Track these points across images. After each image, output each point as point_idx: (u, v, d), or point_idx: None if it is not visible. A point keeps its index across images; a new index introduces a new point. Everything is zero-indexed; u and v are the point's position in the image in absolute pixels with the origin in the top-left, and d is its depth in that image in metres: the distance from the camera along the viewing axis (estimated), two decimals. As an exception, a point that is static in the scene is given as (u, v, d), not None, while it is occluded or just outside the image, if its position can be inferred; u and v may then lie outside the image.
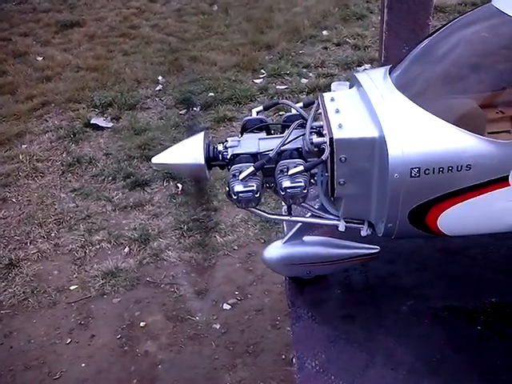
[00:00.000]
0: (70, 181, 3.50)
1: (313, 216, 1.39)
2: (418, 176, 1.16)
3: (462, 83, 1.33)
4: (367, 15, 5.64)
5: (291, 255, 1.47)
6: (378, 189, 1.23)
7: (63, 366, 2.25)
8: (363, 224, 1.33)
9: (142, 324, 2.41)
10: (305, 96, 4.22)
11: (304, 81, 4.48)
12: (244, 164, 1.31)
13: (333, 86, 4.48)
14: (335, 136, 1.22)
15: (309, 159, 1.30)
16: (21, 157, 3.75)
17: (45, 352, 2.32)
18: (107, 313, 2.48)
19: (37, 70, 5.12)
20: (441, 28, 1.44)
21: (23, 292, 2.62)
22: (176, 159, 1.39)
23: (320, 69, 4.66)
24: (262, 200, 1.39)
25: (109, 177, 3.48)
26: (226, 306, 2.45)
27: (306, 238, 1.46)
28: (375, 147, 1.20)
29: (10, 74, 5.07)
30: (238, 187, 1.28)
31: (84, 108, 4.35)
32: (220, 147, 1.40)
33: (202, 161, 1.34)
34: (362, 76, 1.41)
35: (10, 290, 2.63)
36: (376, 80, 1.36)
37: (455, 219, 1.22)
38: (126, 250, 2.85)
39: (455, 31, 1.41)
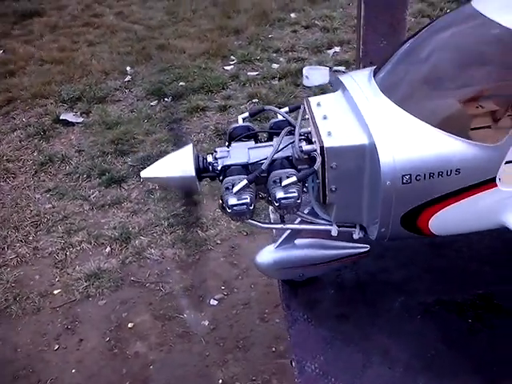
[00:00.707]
0: (43, 181, 3.43)
1: (305, 222, 1.40)
2: (410, 182, 1.18)
3: (444, 85, 1.34)
4: (334, -4, 5.62)
5: (283, 259, 1.49)
6: (370, 194, 1.25)
7: (53, 374, 2.23)
8: (355, 227, 1.35)
9: (130, 325, 2.40)
10: (277, 82, 4.20)
11: (275, 66, 4.46)
12: (236, 176, 1.30)
13: (304, 70, 4.46)
14: (326, 144, 1.22)
15: (299, 166, 1.31)
16: (-10, 158, 3.65)
17: (33, 360, 2.30)
18: (94, 316, 2.46)
19: (-1, 65, 4.96)
20: (422, 29, 1.44)
21: (5, 299, 2.57)
22: (166, 172, 1.37)
23: (290, 53, 4.65)
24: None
25: (83, 174, 3.42)
26: (213, 302, 2.46)
27: (297, 241, 1.48)
28: (366, 154, 1.22)
29: (-29, 70, 4.90)
30: (232, 200, 1.27)
31: (52, 103, 4.24)
32: (210, 158, 1.38)
33: (193, 173, 1.33)
34: (346, 79, 1.41)
35: (-10, 298, 2.59)
36: (361, 84, 1.36)
37: (446, 220, 1.25)
38: (108, 249, 2.82)
39: (436, 32, 1.42)
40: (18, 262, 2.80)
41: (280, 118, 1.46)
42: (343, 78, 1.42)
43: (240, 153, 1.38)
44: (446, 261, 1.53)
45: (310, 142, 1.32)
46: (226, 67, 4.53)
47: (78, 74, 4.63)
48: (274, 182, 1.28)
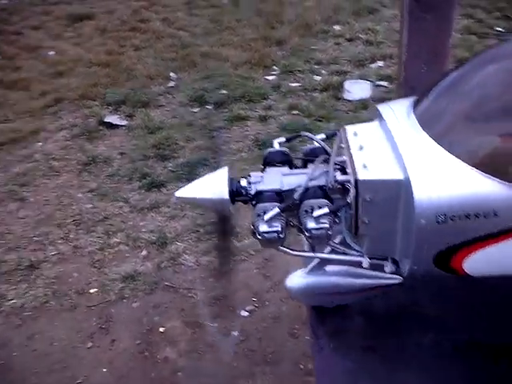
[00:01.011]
0: (86, 180, 3.53)
1: (336, 252, 1.41)
2: (445, 222, 1.17)
3: (486, 124, 1.31)
4: (379, 9, 5.62)
5: (313, 285, 1.49)
6: (403, 229, 1.25)
7: (85, 371, 2.30)
8: (387, 260, 1.35)
9: (161, 329, 2.45)
10: (318, 94, 4.23)
11: (317, 78, 4.49)
12: (268, 203, 1.32)
13: (346, 84, 4.47)
14: (360, 177, 1.22)
15: (333, 196, 1.32)
16: (37, 155, 3.79)
17: (67, 355, 2.38)
18: (127, 317, 2.53)
19: (49, 65, 5.13)
20: (470, 59, 1.43)
21: (45, 294, 2.67)
22: (200, 193, 1.40)
23: (332, 65, 4.66)
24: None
25: (124, 177, 3.51)
26: (244, 313, 2.50)
27: (328, 268, 1.48)
28: (401, 190, 1.21)
29: (24, 70, 5.09)
30: (263, 227, 1.28)
31: (97, 105, 4.37)
32: (243, 182, 1.40)
33: (226, 195, 1.35)
34: (385, 110, 1.40)
35: (31, 292, 2.68)
36: (399, 116, 1.35)
37: (481, 262, 1.24)
38: (144, 252, 2.89)
39: (481, 66, 1.40)
40: (59, 258, 2.90)
41: (316, 144, 1.48)
42: (382, 109, 1.42)
43: (274, 179, 1.39)
44: (484, 299, 1.50)
45: (344, 171, 1.32)
46: (267, 77, 4.58)
47: (124, 77, 4.76)
48: (306, 211, 1.28)
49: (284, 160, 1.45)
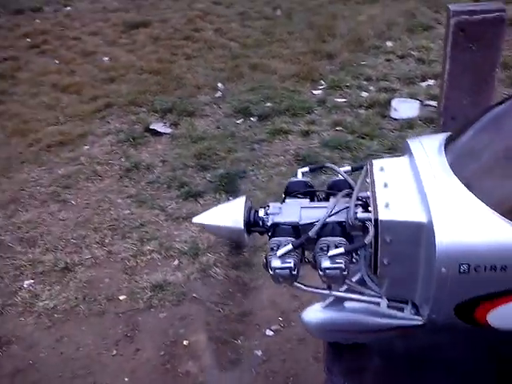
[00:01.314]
0: (126, 186, 3.59)
1: (352, 291, 1.35)
2: (468, 272, 1.09)
3: None
4: (434, 26, 5.47)
5: (331, 321, 1.42)
6: (425, 274, 1.17)
7: (107, 379, 2.32)
8: (407, 303, 1.28)
9: (185, 342, 2.44)
10: (363, 111, 4.14)
11: (364, 94, 4.40)
12: (283, 238, 1.27)
13: (393, 102, 4.35)
14: (381, 217, 1.16)
15: (353, 233, 1.26)
16: (82, 159, 3.88)
17: (92, 361, 2.40)
18: (153, 327, 2.53)
19: (102, 71, 5.29)
20: (508, 99, 1.34)
21: (75, 298, 2.71)
22: (216, 221, 1.38)
23: (381, 82, 4.56)
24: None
25: (164, 185, 3.55)
26: (269, 332, 2.45)
27: (346, 304, 1.41)
28: (423, 233, 1.14)
29: (78, 74, 5.26)
30: (276, 263, 1.23)
31: (145, 112, 4.45)
32: (261, 213, 1.37)
33: (242, 225, 1.33)
34: (415, 145, 1.33)
35: (63, 295, 2.74)
36: (430, 153, 1.27)
37: (509, 316, 1.15)
38: (176, 262, 2.90)
39: None
40: (92, 263, 2.94)
41: (340, 177, 1.43)
42: (412, 143, 1.34)
43: (292, 211, 1.34)
44: (509, 348, 1.40)
45: (367, 208, 1.25)
46: (314, 91, 4.53)
47: (173, 85, 4.83)
48: (321, 249, 1.22)
49: (306, 191, 1.41)
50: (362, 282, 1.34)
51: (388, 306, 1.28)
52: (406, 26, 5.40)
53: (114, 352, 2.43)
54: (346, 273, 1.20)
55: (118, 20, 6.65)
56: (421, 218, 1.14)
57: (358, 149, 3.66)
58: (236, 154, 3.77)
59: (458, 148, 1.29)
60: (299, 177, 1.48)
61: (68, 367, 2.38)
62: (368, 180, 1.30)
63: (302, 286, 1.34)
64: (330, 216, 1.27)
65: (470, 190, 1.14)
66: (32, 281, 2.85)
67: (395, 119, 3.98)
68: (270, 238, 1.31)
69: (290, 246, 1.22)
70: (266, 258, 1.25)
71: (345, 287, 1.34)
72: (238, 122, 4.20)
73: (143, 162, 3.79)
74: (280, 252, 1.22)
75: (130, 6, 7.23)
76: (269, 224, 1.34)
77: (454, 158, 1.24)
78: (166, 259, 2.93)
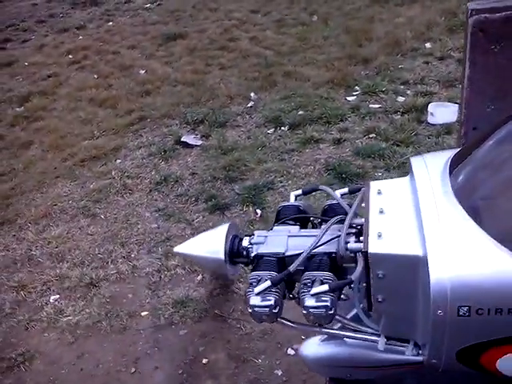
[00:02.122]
0: (155, 200, 3.58)
1: (346, 328, 1.23)
2: (469, 316, 0.94)
3: None
4: (478, 25, 5.20)
5: (330, 355, 1.31)
6: (423, 312, 1.03)
7: (125, 397, 2.28)
8: (408, 342, 1.14)
9: (204, 361, 2.38)
10: (399, 117, 3.97)
11: (400, 99, 4.23)
12: (265, 272, 1.15)
13: (430, 106, 4.15)
14: (371, 249, 1.03)
15: (344, 265, 1.15)
16: (113, 173, 3.91)
17: (110, 379, 2.37)
18: (173, 345, 2.48)
19: (138, 84, 5.35)
20: None
21: (98, 314, 2.70)
22: (196, 251, 1.30)
23: (419, 86, 4.38)
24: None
25: (192, 197, 3.51)
26: (291, 351, 2.35)
27: (346, 338, 1.30)
28: (418, 269, 1.00)
29: (114, 88, 5.35)
30: (254, 300, 1.12)
31: (177, 124, 4.45)
32: (245, 242, 1.26)
33: (222, 255, 1.23)
34: (417, 164, 1.19)
35: (87, 311, 2.73)
36: (433, 175, 1.13)
37: None
38: (199, 278, 2.85)
39: None
40: (117, 278, 2.93)
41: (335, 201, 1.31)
42: (414, 162, 1.20)
43: (278, 240, 1.23)
44: None
45: (361, 236, 1.13)
46: (348, 98, 4.40)
47: (206, 96, 4.81)
48: (305, 284, 1.10)
49: (299, 217, 1.30)
50: (357, 317, 1.22)
51: (387, 345, 1.16)
52: (447, 25, 5.17)
53: (133, 370, 2.40)
54: (331, 312, 1.07)
55: (156, 33, 6.74)
56: (415, 251, 1.00)
57: (391, 157, 3.51)
58: (265, 164, 3.69)
59: (466, 169, 1.15)
60: (291, 200, 1.37)
61: (87, 384, 2.36)
62: (364, 204, 1.18)
63: (288, 323, 1.23)
64: (316, 247, 1.15)
65: (475, 221, 1.00)
66: (58, 296, 2.86)
67: (432, 124, 3.79)
68: (252, 270, 1.20)
69: (267, 283, 1.11)
70: (245, 295, 1.16)
71: (338, 324, 1.23)
72: (269, 131, 4.12)
73: (173, 175, 3.77)
74: (258, 289, 1.12)
75: (168, 18, 7.33)
76: (252, 255, 1.23)
77: (460, 182, 1.10)
78: (190, 274, 2.88)
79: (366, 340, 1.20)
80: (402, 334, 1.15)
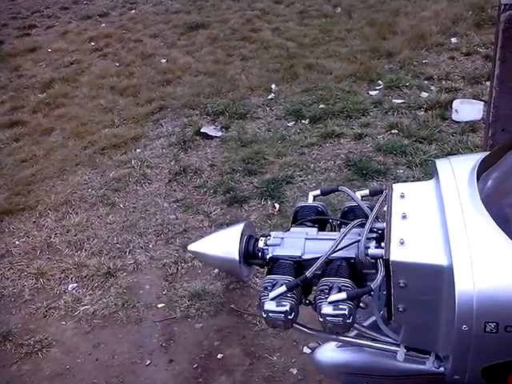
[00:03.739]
0: (174, 190, 3.58)
1: (364, 337, 1.20)
2: (496, 332, 0.89)
3: None
4: (507, 20, 5.08)
5: (347, 362, 1.28)
6: (447, 325, 0.99)
7: (139, 389, 2.29)
8: (429, 354, 1.11)
9: (219, 356, 2.38)
10: (422, 113, 3.90)
11: (424, 95, 4.16)
12: (281, 276, 1.12)
13: (455, 103, 4.08)
14: (392, 257, 0.99)
15: (364, 271, 1.11)
16: (133, 162, 3.90)
17: (125, 370, 2.39)
18: (188, 338, 2.49)
19: (159, 73, 5.33)
20: None
21: (115, 304, 2.71)
22: (210, 250, 1.27)
23: (443, 81, 4.29)
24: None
25: (210, 189, 3.50)
26: (307, 350, 2.33)
27: None
28: (443, 279, 0.96)
29: (136, 76, 5.34)
30: (269, 305, 1.09)
31: (197, 115, 4.42)
32: (261, 243, 1.22)
33: (236, 256, 1.20)
34: (443, 167, 1.13)
35: (104, 300, 2.75)
36: (460, 180, 1.08)
37: None
38: (216, 270, 2.84)
39: None
40: (135, 268, 2.94)
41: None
42: (440, 165, 1.15)
43: (295, 242, 1.19)
44: None
45: (382, 241, 1.08)
46: (370, 92, 4.34)
47: (226, 87, 4.77)
48: (322, 291, 1.06)
49: (317, 218, 1.26)
50: (375, 327, 1.19)
51: (406, 356, 1.13)
52: (474, 20, 5.05)
53: (148, 362, 2.40)
54: (349, 320, 1.04)
55: (178, 22, 6.70)
56: (440, 260, 0.96)
57: (413, 154, 3.45)
58: (285, 158, 3.66)
59: (494, 175, 1.09)
60: (309, 200, 1.33)
61: (102, 374, 2.38)
62: (386, 208, 1.14)
63: (304, 329, 1.20)
64: (335, 251, 1.11)
65: (504, 230, 0.94)
66: (76, 284, 2.88)
67: (457, 122, 3.72)
68: (267, 273, 1.17)
69: (283, 288, 1.08)
70: (259, 299, 1.13)
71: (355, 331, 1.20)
72: (289, 124, 4.08)
73: (192, 166, 3.76)
74: (272, 294, 1.09)
75: (191, 7, 7.27)
76: (268, 257, 1.20)
77: (488, 188, 1.05)
78: (207, 267, 2.87)
79: (384, 350, 1.18)
80: (422, 345, 1.12)
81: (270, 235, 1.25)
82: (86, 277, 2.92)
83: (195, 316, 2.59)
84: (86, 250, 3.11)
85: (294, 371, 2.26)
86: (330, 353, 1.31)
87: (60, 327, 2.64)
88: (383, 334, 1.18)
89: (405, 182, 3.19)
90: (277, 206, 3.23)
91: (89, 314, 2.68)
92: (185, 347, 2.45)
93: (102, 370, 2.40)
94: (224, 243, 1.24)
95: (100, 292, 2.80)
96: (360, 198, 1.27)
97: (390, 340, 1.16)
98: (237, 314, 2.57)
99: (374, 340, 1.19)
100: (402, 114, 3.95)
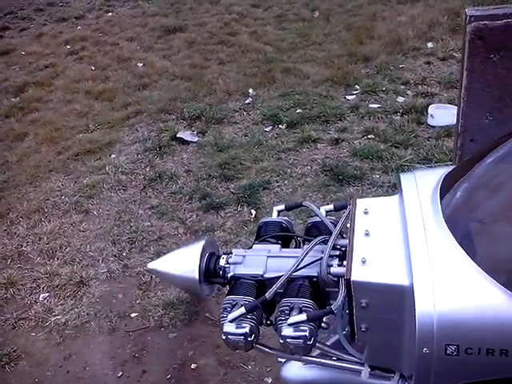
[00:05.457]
0: (149, 197, 3.52)
1: (327, 357, 1.18)
2: (457, 355, 0.87)
3: None
4: (481, 25, 5.13)
5: (313, 380, 1.25)
6: (409, 345, 0.97)
7: (111, 402, 2.24)
8: (393, 374, 1.09)
9: (193, 366, 2.33)
10: (398, 118, 3.92)
11: (400, 99, 4.17)
12: (240, 296, 1.10)
13: (430, 108, 4.10)
14: (354, 277, 0.97)
15: (327, 289, 1.09)
16: (108, 168, 3.84)
17: (97, 382, 2.33)
18: (161, 348, 2.44)
19: (136, 77, 5.27)
20: None
21: (87, 314, 2.66)
22: (169, 268, 1.23)
23: (420, 86, 4.31)
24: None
25: (186, 196, 3.46)
26: (281, 359, 2.30)
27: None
28: (404, 299, 0.94)
29: (112, 80, 5.27)
30: (227, 328, 1.07)
31: (173, 119, 4.38)
32: (222, 261, 1.19)
33: (196, 274, 1.16)
34: (407, 182, 1.12)
35: (76, 310, 2.69)
36: (423, 196, 1.06)
37: None
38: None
39: None
40: (108, 277, 2.88)
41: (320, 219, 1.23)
42: (404, 180, 1.13)
43: (257, 260, 1.16)
44: None
45: (345, 259, 1.06)
46: (347, 96, 4.34)
47: (203, 92, 4.74)
48: (283, 312, 1.05)
49: (281, 234, 1.23)
50: (338, 346, 1.17)
51: (371, 374, 1.11)
52: (450, 25, 5.10)
53: (120, 373, 2.35)
54: (310, 342, 1.02)
55: (155, 25, 6.65)
56: (401, 281, 0.94)
57: (389, 159, 3.46)
58: (262, 163, 3.64)
59: (459, 191, 1.07)
60: (274, 216, 1.30)
61: (73, 388, 2.32)
62: (349, 224, 1.12)
63: (266, 349, 1.18)
64: (296, 270, 1.08)
65: (466, 251, 0.92)
66: (47, 294, 2.82)
67: (432, 126, 3.74)
68: (228, 293, 1.15)
69: (242, 310, 1.06)
70: (219, 320, 1.10)
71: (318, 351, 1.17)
72: (266, 129, 4.07)
73: (167, 172, 3.71)
74: (231, 316, 1.06)
75: (168, 10, 7.23)
76: (229, 276, 1.17)
77: (452, 205, 1.03)
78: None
79: (348, 369, 1.15)
80: (387, 364, 1.10)
81: (231, 253, 1.22)
82: (57, 286, 2.85)
83: (169, 325, 2.54)
84: (58, 259, 3.05)
85: (269, 380, 2.24)
86: (296, 370, 1.29)
87: (30, 339, 2.58)
88: (347, 352, 1.15)
89: (380, 187, 3.20)
90: (253, 212, 3.20)
91: (60, 324, 2.62)
92: (158, 357, 2.40)
93: (73, 382, 2.35)
94: (184, 261, 1.20)
95: (72, 302, 2.74)
96: (325, 213, 1.25)
97: (355, 359, 1.14)
98: (211, 323, 2.53)
99: (338, 359, 1.17)
100: (378, 118, 3.96)
